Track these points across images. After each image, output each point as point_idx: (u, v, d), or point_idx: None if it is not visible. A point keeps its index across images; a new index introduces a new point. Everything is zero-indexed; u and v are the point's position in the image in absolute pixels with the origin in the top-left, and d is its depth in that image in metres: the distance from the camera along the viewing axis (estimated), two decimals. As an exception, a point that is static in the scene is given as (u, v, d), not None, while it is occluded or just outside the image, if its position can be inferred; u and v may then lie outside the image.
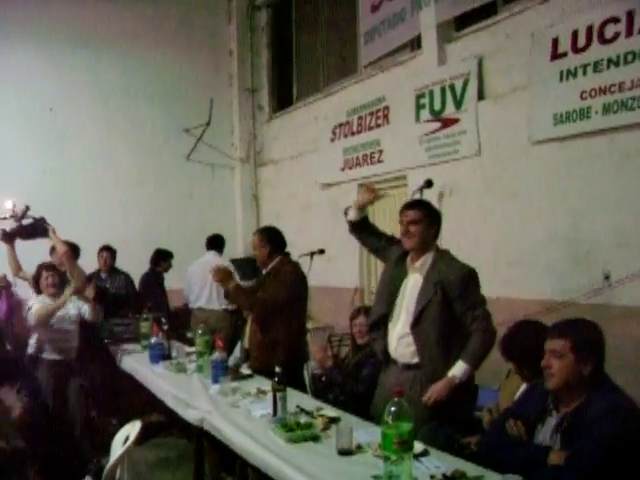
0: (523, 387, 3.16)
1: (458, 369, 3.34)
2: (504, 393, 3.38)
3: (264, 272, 4.68)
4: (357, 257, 7.19)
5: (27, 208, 5.59)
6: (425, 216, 3.53)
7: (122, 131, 8.61)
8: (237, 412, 3.61)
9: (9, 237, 5.54)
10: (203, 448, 3.96)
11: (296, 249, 7.22)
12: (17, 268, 5.71)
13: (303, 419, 3.26)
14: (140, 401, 5.39)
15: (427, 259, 3.52)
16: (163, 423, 5.70)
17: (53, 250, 6.25)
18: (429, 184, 5.55)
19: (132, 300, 6.92)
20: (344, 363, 4.78)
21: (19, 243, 5.76)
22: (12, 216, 5.51)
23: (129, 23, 8.60)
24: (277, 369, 3.39)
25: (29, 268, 5.65)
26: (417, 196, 5.37)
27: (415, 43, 6.30)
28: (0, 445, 1.88)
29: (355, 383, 4.33)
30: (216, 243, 7.25)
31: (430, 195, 5.68)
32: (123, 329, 6.32)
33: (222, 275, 4.49)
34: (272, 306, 4.38)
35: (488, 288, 5.03)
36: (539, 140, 4.91)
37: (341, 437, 2.84)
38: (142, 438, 5.74)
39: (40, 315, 5.00)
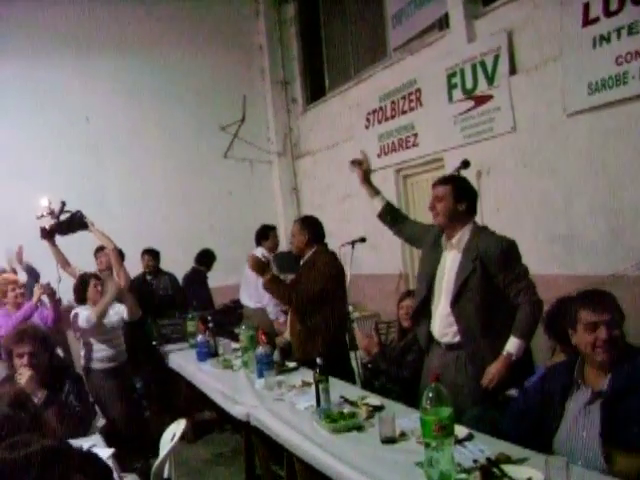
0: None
1: (512, 345, 3.25)
2: (549, 372, 3.30)
3: (301, 262, 4.68)
4: (399, 243, 7.10)
5: (63, 204, 5.66)
6: (451, 192, 3.46)
7: (157, 134, 8.69)
8: (282, 405, 3.61)
9: (48, 234, 5.62)
10: (252, 442, 3.99)
11: (338, 239, 7.22)
12: (65, 263, 5.79)
13: (346, 409, 3.24)
14: (193, 399, 5.44)
15: (463, 235, 3.46)
16: (216, 420, 5.79)
17: (98, 251, 6.37)
18: (466, 165, 5.49)
19: (178, 300, 7.01)
20: (389, 349, 4.75)
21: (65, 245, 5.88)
22: (49, 213, 5.59)
23: (158, 25, 8.67)
24: (318, 360, 3.38)
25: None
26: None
27: (443, 22, 6.19)
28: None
29: (400, 369, 4.30)
30: (261, 235, 7.20)
31: (468, 175, 5.58)
32: (171, 329, 6.40)
33: (258, 265, 4.50)
34: (308, 297, 4.37)
35: (530, 266, 4.95)
36: (575, 111, 4.77)
37: (383, 426, 2.82)
38: (196, 435, 5.94)
39: (95, 314, 5.05)
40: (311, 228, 4.68)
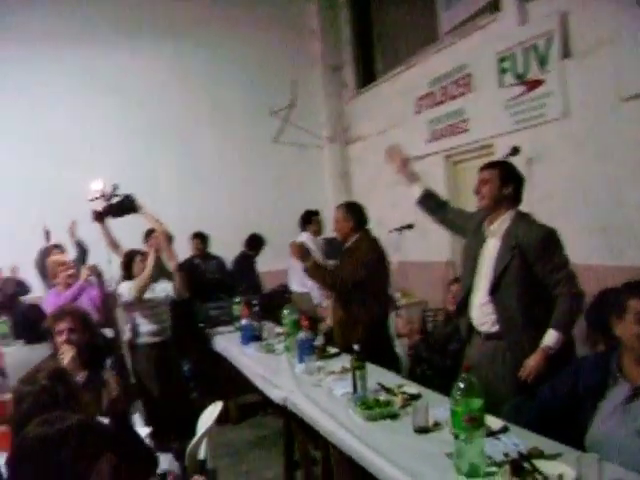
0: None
1: (550, 338, 3.18)
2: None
3: (343, 248, 4.67)
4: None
5: (115, 187, 5.78)
6: (497, 176, 3.42)
7: (208, 118, 8.77)
8: (319, 391, 3.62)
9: (100, 216, 5.76)
10: (291, 426, 4.03)
11: (387, 225, 7.20)
12: (114, 245, 5.93)
13: (383, 397, 3.23)
14: (238, 382, 5.50)
15: (504, 222, 3.40)
16: (261, 403, 5.85)
17: (148, 235, 6.50)
18: (515, 151, 5.40)
19: (226, 284, 7.10)
20: (432, 337, 4.72)
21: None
22: (102, 196, 5.72)
23: (210, 9, 8.70)
24: (355, 347, 3.37)
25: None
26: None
27: (494, 5, 6.03)
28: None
29: (442, 357, 4.27)
30: (305, 220, 7.23)
31: (518, 162, 5.44)
32: (218, 312, 6.49)
33: (299, 252, 4.51)
34: (350, 283, 4.36)
35: (580, 256, 4.84)
36: (630, 96, 4.59)
37: (417, 415, 2.80)
38: (240, 417, 6.02)
39: (135, 287, 5.17)
40: (356, 214, 4.67)
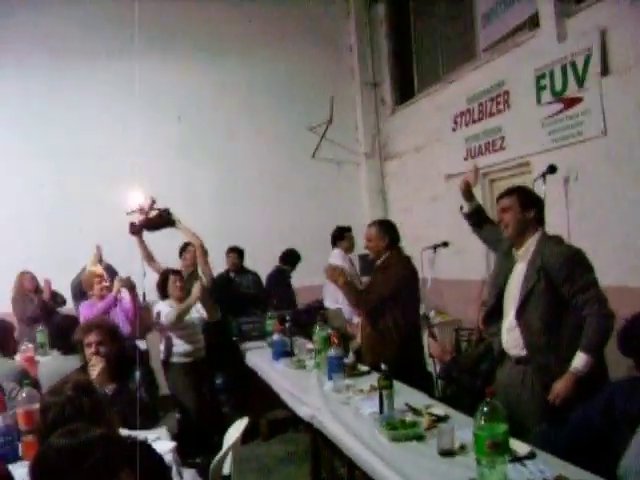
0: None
1: (578, 361, 3.12)
2: (626, 391, 3.13)
3: (375, 266, 4.66)
4: (484, 249, 6.94)
5: (153, 201, 5.87)
6: (516, 202, 3.41)
7: (246, 133, 8.84)
8: (346, 410, 3.60)
9: (138, 230, 5.84)
10: (319, 444, 4.00)
11: (424, 242, 7.14)
12: (150, 258, 6.01)
13: (409, 417, 3.19)
14: (270, 397, 5.51)
15: (530, 245, 3.38)
16: (291, 418, 5.83)
17: (183, 250, 6.57)
18: (552, 169, 5.31)
19: (260, 298, 7.12)
20: (464, 357, 4.65)
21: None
22: (139, 210, 5.80)
23: (249, 25, 8.79)
24: (383, 366, 3.35)
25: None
26: (540, 182, 5.17)
27: (533, 21, 5.97)
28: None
29: (473, 378, 4.19)
30: (337, 237, 7.22)
31: (555, 181, 5.42)
32: (251, 327, 6.52)
33: (332, 273, 4.52)
34: (379, 301, 4.35)
35: (617, 277, 4.76)
36: (668, 115, 4.51)
37: (442, 437, 2.76)
38: (270, 433, 6.02)
39: (175, 315, 5.27)
40: (389, 232, 4.67)
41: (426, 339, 4.84)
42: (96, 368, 3.47)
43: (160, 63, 8.33)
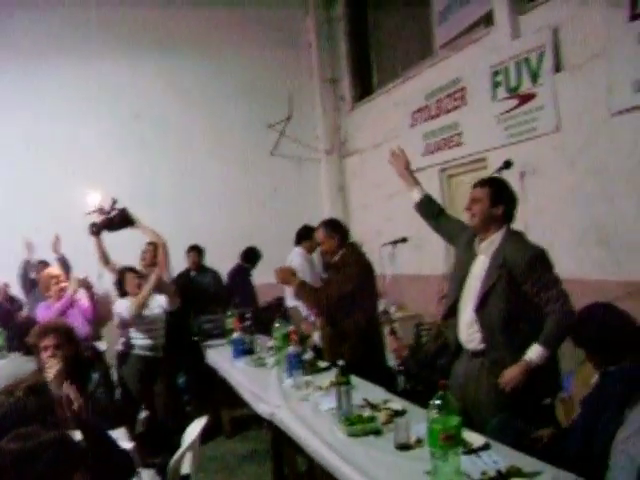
0: (596, 376, 2.97)
1: (533, 352, 3.17)
2: (578, 381, 3.20)
3: (331, 263, 4.65)
4: (443, 244, 7.00)
5: (114, 201, 5.78)
6: (489, 194, 3.39)
7: (205, 131, 8.79)
8: (305, 406, 3.60)
9: (97, 230, 5.75)
10: (280, 441, 4.00)
11: (384, 238, 7.19)
12: (106, 260, 5.91)
13: (367, 412, 3.20)
14: (232, 395, 5.49)
15: (494, 240, 3.38)
16: (254, 416, 5.82)
17: (146, 252, 6.49)
18: (508, 165, 5.37)
19: (221, 297, 7.09)
20: (422, 352, 4.69)
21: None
22: (99, 210, 5.70)
23: (208, 23, 8.77)
24: (340, 362, 3.35)
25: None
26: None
27: (488, 19, 6.04)
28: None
29: (431, 372, 4.24)
30: (303, 236, 7.20)
31: (511, 176, 5.47)
32: (211, 325, 6.47)
33: (283, 276, 4.45)
34: (337, 299, 4.33)
35: (573, 269, 4.85)
36: (619, 110, 4.59)
37: (398, 432, 2.77)
38: (234, 431, 5.99)
39: (135, 307, 5.21)
40: (337, 230, 4.64)
41: (386, 335, 4.87)
42: (52, 370, 3.41)
43: (118, 61, 8.26)
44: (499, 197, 3.42)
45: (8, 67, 7.92)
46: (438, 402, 2.25)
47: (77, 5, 7.09)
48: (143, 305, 5.31)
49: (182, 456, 3.23)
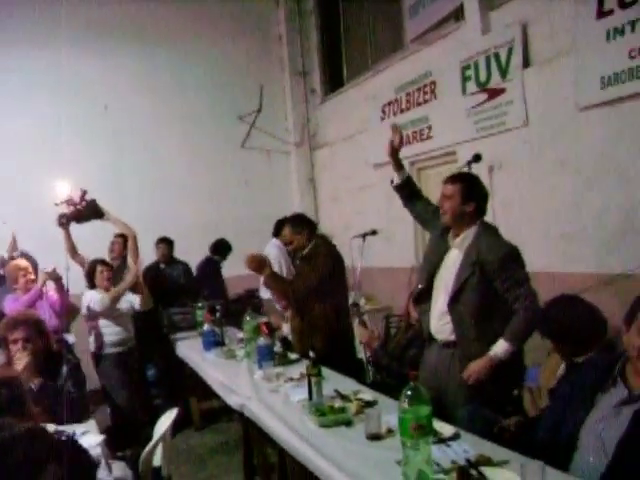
0: (562, 366, 3.03)
1: (499, 347, 3.23)
2: (545, 372, 3.26)
3: (300, 255, 4.66)
4: (413, 236, 7.09)
5: (84, 192, 5.71)
6: (459, 191, 3.41)
7: (175, 123, 8.67)
8: (276, 397, 3.62)
9: (66, 221, 5.67)
10: (250, 432, 4.01)
11: (354, 230, 7.18)
12: (74, 252, 5.84)
13: (338, 403, 3.23)
14: (202, 387, 5.48)
15: (468, 235, 3.42)
16: (224, 408, 5.82)
17: (115, 244, 6.44)
18: (477, 158, 5.42)
19: (190, 289, 7.06)
20: (392, 344, 4.72)
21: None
22: (67, 201, 5.62)
23: (177, 14, 8.64)
24: (311, 353, 3.38)
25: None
26: (465, 171, 5.26)
27: (458, 14, 6.09)
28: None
29: (401, 364, 4.27)
30: (279, 227, 7.18)
31: (480, 169, 5.52)
32: (181, 318, 6.46)
33: (255, 264, 4.40)
34: (307, 291, 4.35)
35: (540, 262, 4.92)
36: (586, 106, 4.66)
37: (369, 422, 2.81)
38: (203, 423, 5.98)
39: (109, 298, 5.21)
40: (303, 225, 4.65)
41: (356, 327, 4.89)
42: (21, 362, 3.38)
43: (86, 51, 8.09)
44: (470, 194, 3.44)
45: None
46: (409, 392, 2.28)
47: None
48: (117, 299, 5.30)
49: (154, 448, 3.22)
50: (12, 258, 6.06)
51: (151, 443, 3.23)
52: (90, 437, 3.00)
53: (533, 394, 3.23)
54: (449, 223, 3.48)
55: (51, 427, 3.09)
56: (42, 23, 7.61)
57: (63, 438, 2.23)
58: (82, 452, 2.45)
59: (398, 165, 4.00)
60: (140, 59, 8.54)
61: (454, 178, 3.57)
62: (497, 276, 3.28)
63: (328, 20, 9.15)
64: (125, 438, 4.55)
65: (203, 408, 6.05)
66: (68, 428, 3.17)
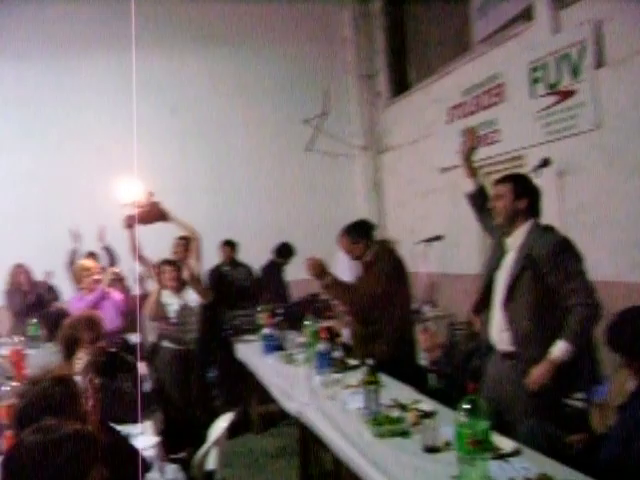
0: (633, 382, 2.87)
1: (558, 349, 3.07)
2: (614, 387, 3.10)
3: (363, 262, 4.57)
4: (479, 242, 6.92)
5: (151, 194, 5.79)
6: (510, 190, 3.33)
7: (240, 126, 8.78)
8: (333, 404, 3.56)
9: (133, 223, 5.76)
10: (307, 438, 3.97)
11: (419, 235, 7.10)
12: (139, 252, 5.91)
13: (395, 413, 3.15)
14: (262, 390, 5.48)
15: (520, 234, 3.32)
16: (284, 413, 5.80)
17: (178, 246, 6.51)
18: (546, 163, 5.30)
19: (253, 292, 7.08)
20: (456, 352, 4.62)
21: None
22: (135, 203, 5.71)
23: (243, 18, 8.75)
24: (368, 361, 3.31)
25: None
26: (533, 176, 5.11)
27: (528, 13, 5.91)
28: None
29: (463, 374, 4.16)
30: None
31: (548, 175, 5.38)
32: (243, 320, 6.48)
33: (315, 269, 4.32)
34: (368, 298, 4.27)
35: (612, 272, 4.72)
36: (663, 107, 4.46)
37: (426, 433, 2.72)
38: (264, 427, 5.97)
39: (147, 312, 5.21)
40: (361, 233, 4.51)
41: (419, 333, 4.79)
42: (81, 362, 3.44)
43: (154, 55, 8.28)
44: (522, 190, 3.36)
45: (45, 57, 8.03)
46: (467, 406, 2.19)
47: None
48: (155, 307, 5.29)
49: (207, 452, 3.21)
50: (91, 254, 6.22)
51: (205, 446, 3.22)
52: (145, 438, 3.02)
53: (601, 410, 3.07)
54: (502, 223, 3.39)
55: (107, 427, 3.14)
56: (113, 26, 7.77)
57: (113, 439, 2.24)
58: (134, 454, 2.46)
59: (471, 171, 3.89)
60: (206, 63, 8.69)
61: (504, 178, 3.50)
62: (549, 270, 3.14)
63: (394, 22, 9.06)
64: (181, 439, 4.56)
65: (263, 411, 6.03)
66: (125, 428, 3.21)
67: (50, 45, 8.05)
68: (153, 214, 5.80)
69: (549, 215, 4.98)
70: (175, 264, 5.68)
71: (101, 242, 6.72)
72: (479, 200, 3.85)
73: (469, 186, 3.90)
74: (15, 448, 1.87)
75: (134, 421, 3.38)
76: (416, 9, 8.57)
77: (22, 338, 5.75)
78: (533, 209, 3.36)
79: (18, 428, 2.17)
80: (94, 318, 3.60)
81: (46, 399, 2.25)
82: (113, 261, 6.80)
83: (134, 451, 2.40)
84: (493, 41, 6.49)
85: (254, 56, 8.85)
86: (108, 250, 6.84)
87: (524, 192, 3.35)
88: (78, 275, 5.46)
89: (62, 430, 1.89)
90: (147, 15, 8.12)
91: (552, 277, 3.13)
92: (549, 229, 3.34)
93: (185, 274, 5.44)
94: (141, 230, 5.93)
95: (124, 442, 2.41)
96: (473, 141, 3.78)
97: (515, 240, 3.33)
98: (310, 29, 9.11)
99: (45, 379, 2.33)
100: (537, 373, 3.11)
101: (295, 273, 7.69)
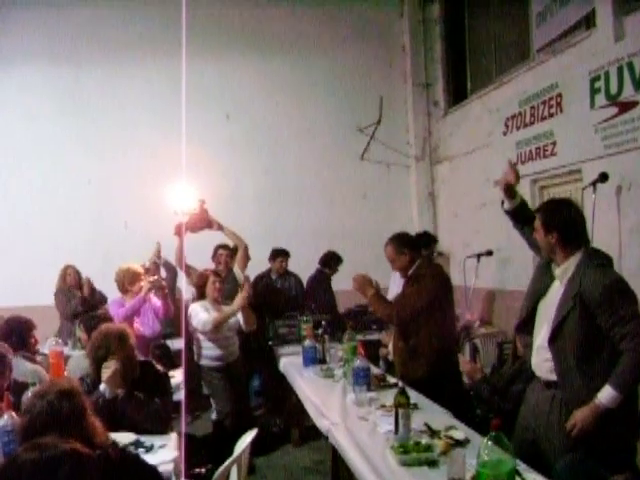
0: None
1: (605, 395, 2.86)
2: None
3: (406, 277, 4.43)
4: (531, 258, 6.65)
5: (202, 202, 5.79)
6: (540, 225, 3.14)
7: (295, 132, 8.75)
8: (363, 425, 3.44)
9: (184, 230, 5.74)
10: (338, 456, 3.85)
11: (472, 249, 6.89)
12: (181, 261, 5.90)
13: (425, 439, 3.00)
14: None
15: (570, 266, 3.07)
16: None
17: (215, 254, 6.48)
18: (603, 178, 5.07)
19: (300, 302, 7.00)
20: (497, 376, 4.40)
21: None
22: (187, 210, 5.71)
23: (299, 24, 8.74)
24: (399, 382, 3.18)
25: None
26: (590, 191, 4.89)
27: (590, 20, 5.66)
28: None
29: (503, 399, 3.95)
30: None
31: (607, 190, 5.13)
32: (287, 331, 6.39)
33: (360, 284, 4.29)
34: (411, 314, 4.14)
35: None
36: None
37: (453, 465, 2.55)
38: (302, 440, 5.88)
39: (212, 324, 5.11)
40: (407, 245, 4.42)
41: (460, 356, 4.61)
42: (109, 370, 3.41)
43: (209, 62, 8.33)
44: (550, 224, 3.12)
45: (99, 64, 8.18)
46: (489, 443, 2.03)
47: (167, 4, 7.11)
48: (220, 325, 5.22)
49: (228, 468, 3.13)
50: (155, 264, 6.28)
51: (226, 463, 3.13)
52: (165, 452, 2.96)
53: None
54: (545, 256, 3.22)
55: (129, 438, 3.10)
56: (164, 32, 7.86)
57: (119, 457, 2.18)
58: (146, 470, 2.39)
59: (511, 195, 3.68)
60: (261, 69, 8.69)
61: (538, 209, 3.31)
62: (601, 311, 2.92)
63: (453, 30, 8.87)
64: (204, 454, 4.48)
65: (303, 424, 5.93)
66: (148, 439, 3.17)
67: (104, 52, 8.20)
68: (203, 222, 5.80)
69: (605, 234, 4.76)
70: (220, 275, 5.62)
71: (159, 259, 6.78)
72: (519, 216, 3.60)
73: (507, 204, 3.63)
74: (9, 464, 1.83)
75: (159, 432, 3.34)
76: (474, 18, 8.37)
77: (68, 340, 5.85)
78: (568, 240, 3.10)
79: (23, 443, 2.14)
80: (124, 333, 3.56)
81: (52, 414, 2.21)
82: (175, 275, 6.92)
83: (143, 468, 2.33)
84: (553, 49, 6.24)
85: (309, 62, 8.80)
86: (168, 265, 6.96)
87: (552, 226, 3.10)
88: (127, 279, 5.40)
89: (58, 448, 1.84)
90: (199, 22, 8.13)
91: (602, 319, 2.92)
92: (601, 265, 3.08)
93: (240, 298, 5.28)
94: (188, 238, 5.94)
95: (132, 459, 2.34)
96: (513, 179, 3.55)
97: (563, 272, 3.09)
98: (367, 36, 9.00)
99: (51, 392, 2.29)
100: (580, 417, 2.89)
101: (344, 283, 7.58)
